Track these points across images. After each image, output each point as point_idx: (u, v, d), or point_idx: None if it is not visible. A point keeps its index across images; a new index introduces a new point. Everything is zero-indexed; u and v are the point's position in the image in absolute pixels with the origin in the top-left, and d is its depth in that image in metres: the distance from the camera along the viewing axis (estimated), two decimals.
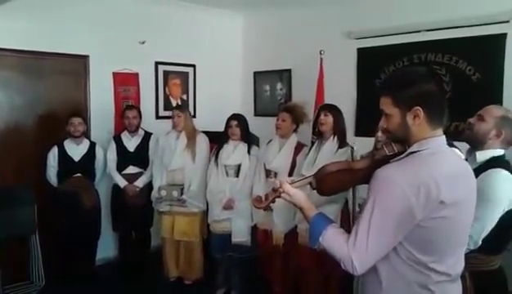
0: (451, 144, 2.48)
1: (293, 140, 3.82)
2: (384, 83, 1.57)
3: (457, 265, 1.56)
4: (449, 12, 4.07)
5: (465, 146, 2.35)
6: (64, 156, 4.28)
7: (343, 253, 1.46)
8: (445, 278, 1.50)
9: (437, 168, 1.44)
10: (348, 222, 3.28)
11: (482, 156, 2.24)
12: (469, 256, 2.10)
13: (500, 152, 2.26)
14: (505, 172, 2.15)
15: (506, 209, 2.14)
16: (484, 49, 3.92)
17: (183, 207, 4.20)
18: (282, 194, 1.70)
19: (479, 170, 2.13)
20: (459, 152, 2.40)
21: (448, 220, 1.44)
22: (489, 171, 2.13)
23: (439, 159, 1.48)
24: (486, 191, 2.03)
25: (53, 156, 4.28)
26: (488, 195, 2.06)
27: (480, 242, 2.11)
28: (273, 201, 1.77)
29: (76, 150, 4.34)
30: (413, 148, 1.51)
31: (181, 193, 4.17)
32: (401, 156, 1.54)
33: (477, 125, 2.29)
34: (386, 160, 1.56)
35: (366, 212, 1.45)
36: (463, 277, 2.10)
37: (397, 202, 1.40)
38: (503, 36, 3.82)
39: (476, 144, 2.29)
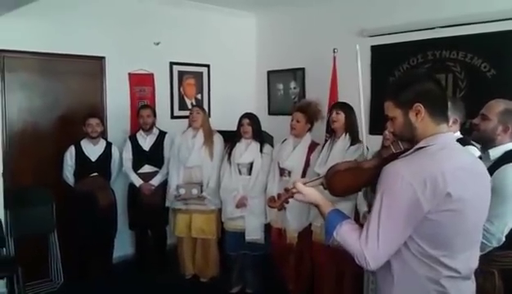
0: (467, 142, 2.49)
1: (307, 139, 3.83)
2: (386, 90, 1.63)
3: (469, 262, 1.56)
4: (463, 9, 4.03)
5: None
6: (81, 156, 4.35)
7: (357, 249, 1.49)
8: (455, 274, 1.50)
9: (445, 162, 1.46)
10: (357, 220, 3.27)
11: (495, 153, 2.23)
12: (499, 253, 2.11)
13: None
14: None
15: None
16: (499, 45, 3.89)
17: (200, 205, 4.25)
18: (295, 195, 1.73)
19: (494, 167, 2.12)
20: (475, 150, 2.41)
21: (456, 213, 1.45)
22: (503, 166, 2.12)
23: (447, 154, 1.49)
24: (502, 187, 2.03)
25: (70, 156, 4.34)
26: (505, 191, 2.06)
27: (504, 239, 2.09)
28: (286, 201, 1.80)
29: (93, 150, 4.40)
30: (420, 144, 1.53)
31: (201, 191, 4.22)
32: (409, 152, 1.57)
33: (482, 125, 2.28)
34: (394, 158, 1.59)
35: (376, 207, 1.48)
36: (492, 274, 2.11)
37: (404, 196, 1.43)
38: None
39: (486, 143, 2.28)
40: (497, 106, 2.27)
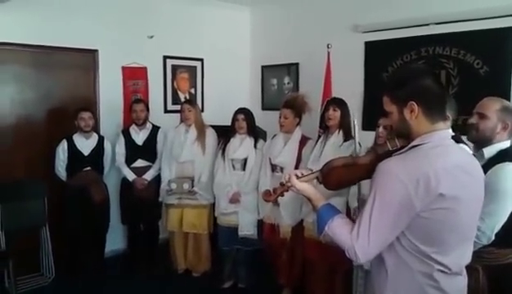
0: (458, 140, 2.49)
1: (297, 134, 3.83)
2: (385, 84, 1.62)
3: (461, 259, 1.57)
4: (457, 5, 4.04)
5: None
6: (73, 150, 4.32)
7: (347, 243, 1.51)
8: (446, 270, 1.51)
9: (438, 161, 1.46)
10: (348, 216, 3.29)
11: (490, 151, 2.22)
12: (484, 250, 2.12)
13: (506, 144, 2.25)
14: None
15: None
16: (492, 42, 3.89)
17: (192, 200, 4.25)
18: (290, 188, 1.77)
19: (488, 166, 2.12)
20: (467, 148, 2.41)
21: (449, 212, 1.46)
22: (496, 166, 2.11)
23: (441, 152, 1.49)
24: (495, 186, 2.03)
25: (63, 150, 4.30)
26: (497, 190, 2.06)
27: (493, 237, 2.11)
28: (282, 194, 1.84)
29: (86, 144, 4.37)
30: (415, 142, 1.54)
31: (192, 186, 4.22)
32: (403, 150, 1.57)
33: (481, 124, 2.26)
34: (389, 155, 1.60)
35: (368, 204, 1.49)
36: (476, 270, 2.12)
37: (397, 193, 1.44)
38: (511, 29, 3.79)
39: (484, 142, 2.25)
40: (494, 104, 2.26)
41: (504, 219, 2.11)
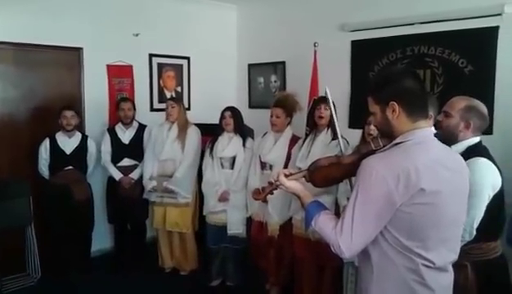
0: (440, 138, 2.52)
1: (288, 132, 3.85)
2: (368, 86, 1.68)
3: (444, 255, 1.59)
4: (442, 5, 4.09)
5: None
6: (55, 149, 4.27)
7: (332, 238, 1.55)
8: (430, 264, 1.54)
9: (419, 157, 1.51)
10: (337, 213, 3.32)
11: (459, 148, 2.26)
12: (472, 246, 2.16)
13: (475, 140, 2.30)
14: (482, 160, 2.19)
15: (491, 195, 2.18)
16: (477, 42, 3.95)
17: (173, 199, 4.25)
18: (279, 186, 1.83)
19: None
20: None
21: (431, 206, 1.50)
22: (467, 161, 2.10)
23: (423, 149, 1.54)
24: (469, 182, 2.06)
25: (45, 149, 4.26)
26: (472, 185, 2.09)
27: (475, 232, 2.15)
28: (271, 193, 1.90)
29: (68, 143, 4.32)
30: (397, 140, 1.59)
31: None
32: (386, 147, 1.63)
33: (444, 122, 2.33)
34: (372, 154, 1.64)
35: (351, 199, 1.54)
36: (464, 267, 2.15)
37: (378, 188, 1.49)
38: (495, 29, 3.84)
39: (449, 140, 2.28)
40: (459, 103, 2.32)
41: (480, 214, 2.15)
